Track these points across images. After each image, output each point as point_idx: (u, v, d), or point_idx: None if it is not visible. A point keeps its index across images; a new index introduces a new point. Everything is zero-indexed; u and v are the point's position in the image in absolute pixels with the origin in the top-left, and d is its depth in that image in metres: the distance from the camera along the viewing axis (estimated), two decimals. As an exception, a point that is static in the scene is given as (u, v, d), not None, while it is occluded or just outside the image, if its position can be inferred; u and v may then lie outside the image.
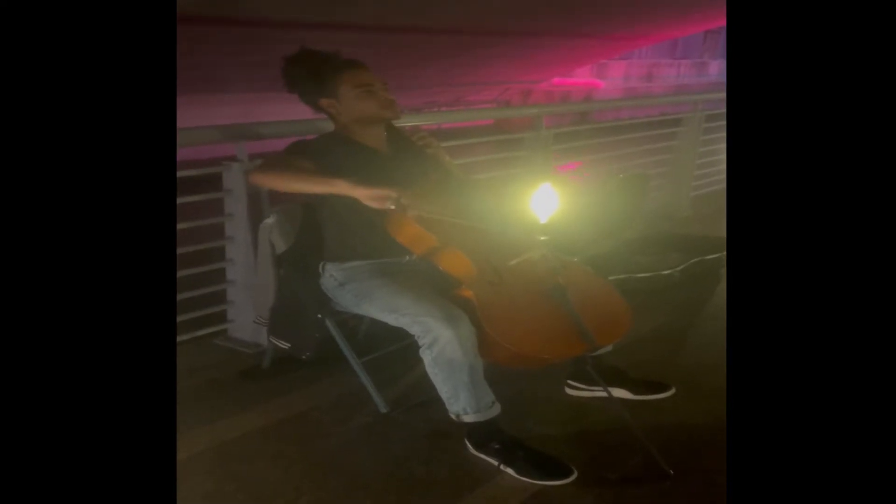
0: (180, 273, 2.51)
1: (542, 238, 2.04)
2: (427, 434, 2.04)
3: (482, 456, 1.92)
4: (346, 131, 2.17)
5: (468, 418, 1.91)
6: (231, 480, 1.85)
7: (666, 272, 3.39)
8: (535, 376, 2.30)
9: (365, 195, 1.88)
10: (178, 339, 2.58)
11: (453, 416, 1.93)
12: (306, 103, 2.18)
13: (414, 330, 1.91)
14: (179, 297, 2.55)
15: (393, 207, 1.87)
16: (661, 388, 2.25)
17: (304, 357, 2.23)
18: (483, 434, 1.92)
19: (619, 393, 2.18)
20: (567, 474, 1.84)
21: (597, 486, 1.83)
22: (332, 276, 2.17)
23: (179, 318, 2.57)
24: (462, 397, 1.89)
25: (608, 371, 2.19)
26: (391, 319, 1.99)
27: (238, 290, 2.70)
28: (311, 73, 2.13)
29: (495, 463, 1.89)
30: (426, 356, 1.89)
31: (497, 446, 1.90)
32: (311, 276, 2.23)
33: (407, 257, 2.10)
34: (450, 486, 1.84)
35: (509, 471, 1.87)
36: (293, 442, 2.03)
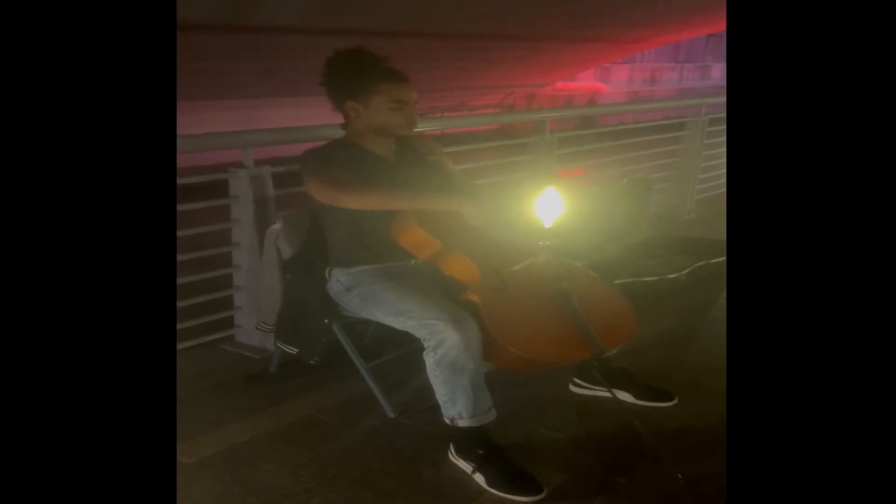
0: (188, 279, 2.53)
1: (546, 243, 2.05)
2: (435, 438, 2.04)
3: (459, 461, 1.90)
4: (356, 137, 2.17)
5: (462, 423, 1.90)
6: (240, 484, 1.86)
7: (671, 276, 3.38)
8: (542, 379, 2.31)
9: (472, 213, 1.92)
10: (186, 344, 2.60)
11: (447, 421, 1.92)
12: (331, 99, 2.16)
13: (420, 333, 1.92)
14: (187, 302, 2.57)
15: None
16: (665, 396, 2.24)
17: (311, 362, 2.24)
18: (470, 438, 1.90)
19: (623, 396, 2.19)
20: (536, 492, 1.80)
21: (606, 489, 1.84)
22: (338, 280, 2.18)
23: (187, 324, 2.59)
24: (459, 401, 1.89)
25: (616, 373, 2.20)
26: (397, 323, 2.00)
27: (245, 295, 2.72)
28: (352, 74, 2.10)
29: (469, 469, 1.87)
30: (429, 358, 1.89)
31: (480, 451, 1.87)
32: (317, 281, 2.24)
33: (413, 261, 2.11)
34: (459, 489, 1.84)
35: (480, 478, 1.85)
36: (302, 445, 2.04)
